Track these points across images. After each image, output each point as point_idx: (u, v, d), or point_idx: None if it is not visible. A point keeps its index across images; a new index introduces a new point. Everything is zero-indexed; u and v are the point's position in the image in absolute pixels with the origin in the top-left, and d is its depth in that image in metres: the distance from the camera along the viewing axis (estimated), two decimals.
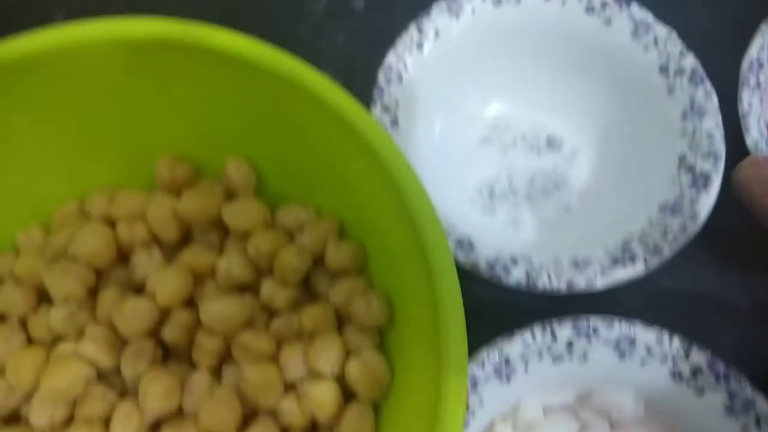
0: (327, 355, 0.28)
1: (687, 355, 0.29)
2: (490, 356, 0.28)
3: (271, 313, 0.30)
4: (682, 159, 0.33)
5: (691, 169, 0.33)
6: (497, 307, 0.34)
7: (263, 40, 0.44)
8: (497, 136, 0.40)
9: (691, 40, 0.37)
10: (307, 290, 0.31)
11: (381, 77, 0.34)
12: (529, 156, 0.39)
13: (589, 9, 0.36)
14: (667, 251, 0.30)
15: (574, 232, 0.36)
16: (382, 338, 0.29)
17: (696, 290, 0.37)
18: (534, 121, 0.40)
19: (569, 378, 0.29)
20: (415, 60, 0.36)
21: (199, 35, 0.26)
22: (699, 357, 0.28)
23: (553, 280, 0.30)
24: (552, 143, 0.39)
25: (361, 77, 0.37)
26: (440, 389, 0.23)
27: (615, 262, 0.30)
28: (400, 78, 0.35)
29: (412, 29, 0.35)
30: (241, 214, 0.30)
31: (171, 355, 0.30)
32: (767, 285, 0.37)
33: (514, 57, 0.38)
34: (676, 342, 0.29)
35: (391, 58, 0.35)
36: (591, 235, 0.34)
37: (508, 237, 0.37)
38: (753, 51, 0.35)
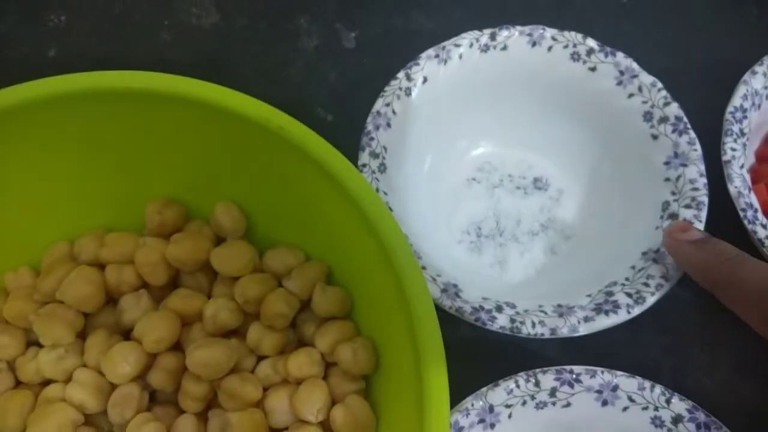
0: (312, 402, 0.28)
1: (668, 402, 0.29)
2: (475, 404, 0.29)
3: (258, 357, 0.30)
4: (665, 206, 0.34)
5: (673, 217, 0.33)
6: (486, 349, 0.34)
7: (256, 80, 0.45)
8: (485, 177, 0.40)
9: (676, 85, 0.38)
10: (294, 334, 0.31)
11: (370, 124, 0.35)
12: (516, 196, 0.40)
13: (575, 56, 0.37)
14: (650, 300, 0.31)
15: (560, 274, 0.37)
16: (368, 383, 0.30)
17: (681, 332, 0.37)
18: (521, 163, 0.40)
19: (552, 424, 0.30)
20: (404, 105, 0.36)
21: (185, 89, 0.27)
22: (680, 405, 0.29)
23: (536, 326, 0.30)
24: (539, 184, 0.40)
25: (351, 115, 0.38)
26: None
27: (598, 310, 0.31)
28: (388, 124, 0.35)
29: (401, 76, 0.36)
30: (229, 258, 0.31)
31: (158, 398, 0.30)
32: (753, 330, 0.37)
33: (500, 101, 0.39)
34: (658, 390, 0.29)
35: (379, 104, 0.35)
36: (576, 279, 0.35)
37: (494, 277, 0.37)
38: (736, 100, 0.35)
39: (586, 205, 0.39)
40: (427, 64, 0.37)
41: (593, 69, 0.37)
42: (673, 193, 0.34)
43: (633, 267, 0.33)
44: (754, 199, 0.33)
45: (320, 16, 0.47)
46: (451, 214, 0.39)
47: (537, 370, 0.29)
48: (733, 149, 0.34)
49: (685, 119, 0.35)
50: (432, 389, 0.23)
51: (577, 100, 0.38)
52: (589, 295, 0.32)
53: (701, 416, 0.29)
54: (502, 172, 0.40)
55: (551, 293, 0.33)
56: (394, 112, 0.36)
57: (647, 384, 0.29)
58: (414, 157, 0.37)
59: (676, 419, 0.29)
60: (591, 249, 0.37)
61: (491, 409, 0.29)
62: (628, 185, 0.36)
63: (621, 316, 0.31)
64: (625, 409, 0.29)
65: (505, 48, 0.38)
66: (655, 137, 0.36)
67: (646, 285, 0.31)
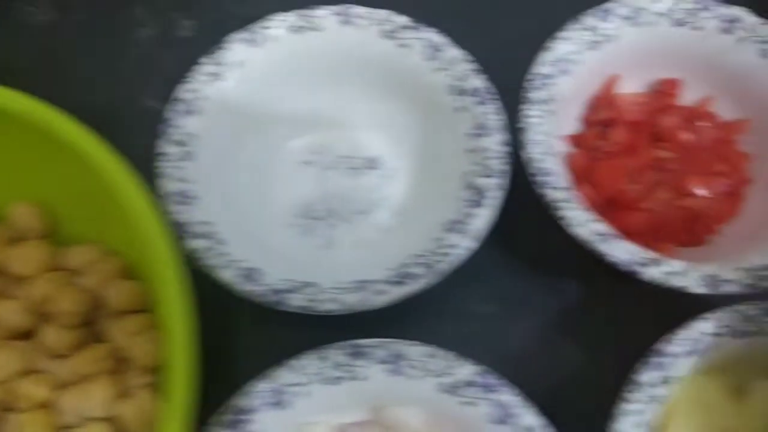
0: (99, 398, 0.28)
1: (458, 368, 0.30)
2: (261, 386, 0.29)
3: (57, 356, 0.30)
4: (465, 177, 0.35)
5: (472, 187, 0.34)
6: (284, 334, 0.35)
7: (91, 73, 0.45)
8: (318, 159, 0.40)
9: (489, 58, 0.38)
10: (90, 331, 0.31)
11: (171, 111, 0.35)
12: (349, 177, 0.40)
13: (386, 33, 0.37)
14: (445, 269, 0.32)
15: (387, 252, 0.37)
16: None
17: (504, 298, 0.38)
18: (354, 144, 0.41)
19: (346, 398, 0.30)
20: (215, 90, 0.36)
21: None
22: (467, 370, 0.30)
23: (332, 303, 0.31)
24: (371, 164, 0.40)
25: None
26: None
27: (394, 282, 0.31)
28: (197, 110, 0.35)
29: (208, 61, 0.36)
30: (20, 259, 0.31)
31: None
32: (572, 289, 0.38)
33: (323, 83, 0.39)
34: (449, 356, 0.30)
35: (182, 91, 0.35)
36: (397, 254, 0.35)
37: (322, 258, 0.38)
38: (537, 67, 0.36)
39: (413, 182, 0.39)
40: (236, 48, 0.36)
41: (404, 45, 0.37)
42: (475, 164, 0.35)
43: (435, 239, 0.33)
44: (550, 164, 0.34)
45: (156, 5, 0.47)
46: (281, 196, 0.39)
47: (327, 345, 0.30)
48: (530, 115, 0.35)
49: (488, 89, 0.36)
50: (174, 382, 0.24)
51: (392, 78, 0.38)
52: (389, 269, 0.33)
53: (487, 379, 0.30)
54: (336, 153, 0.41)
55: (366, 270, 0.34)
56: (202, 98, 0.35)
57: (434, 351, 0.30)
58: (233, 144, 0.37)
59: (463, 384, 0.30)
60: (415, 224, 0.37)
61: (279, 389, 0.29)
62: (439, 161, 0.37)
63: (413, 287, 0.31)
64: (415, 377, 0.30)
65: (317, 28, 0.38)
66: (460, 109, 0.36)
67: (442, 255, 0.32)
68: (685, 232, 0.37)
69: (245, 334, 0.36)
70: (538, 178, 0.33)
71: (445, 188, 0.35)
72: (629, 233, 0.37)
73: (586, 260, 0.33)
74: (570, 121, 0.41)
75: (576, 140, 0.40)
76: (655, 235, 0.37)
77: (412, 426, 0.31)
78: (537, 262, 0.39)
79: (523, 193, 0.35)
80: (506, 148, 0.35)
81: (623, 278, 0.33)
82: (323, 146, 0.41)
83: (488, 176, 0.34)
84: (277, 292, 0.31)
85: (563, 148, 0.40)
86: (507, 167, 0.34)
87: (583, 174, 0.39)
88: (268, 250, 0.34)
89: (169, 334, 0.25)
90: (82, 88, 0.44)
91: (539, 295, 0.38)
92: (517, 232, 0.40)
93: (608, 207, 0.38)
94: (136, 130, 0.37)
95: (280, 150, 0.40)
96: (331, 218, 0.39)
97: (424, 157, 0.39)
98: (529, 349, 0.37)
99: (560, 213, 0.33)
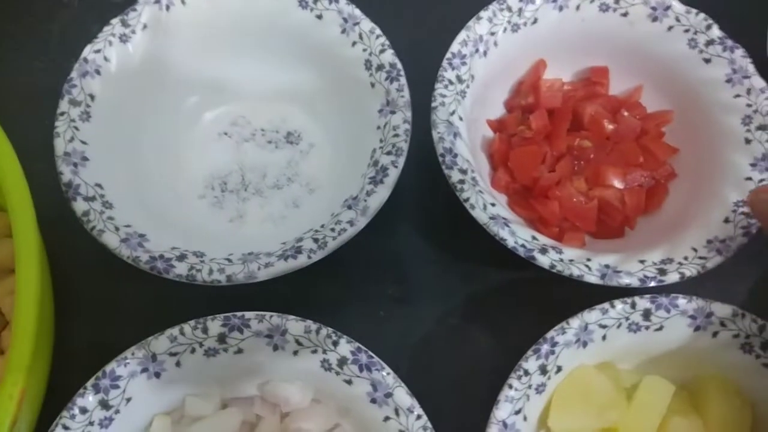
0: None
1: (335, 345, 0.29)
2: (136, 353, 0.28)
3: None
4: (372, 153, 0.34)
5: (377, 164, 0.33)
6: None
7: (17, 36, 0.44)
8: (236, 131, 0.40)
9: (413, 41, 0.38)
10: None
11: (75, 71, 0.34)
12: (266, 150, 0.39)
13: (302, 3, 0.37)
14: (332, 245, 0.31)
15: (297, 226, 0.36)
16: None
17: (411, 282, 0.37)
18: (276, 116, 0.40)
19: (225, 370, 0.30)
20: (121, 52, 0.35)
21: None
22: (345, 347, 0.29)
23: (214, 274, 0.30)
24: (291, 138, 0.39)
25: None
26: None
27: (282, 256, 0.31)
28: (98, 71, 0.34)
29: (116, 22, 0.35)
30: None
31: None
32: (480, 275, 0.37)
33: (242, 52, 0.38)
34: (324, 333, 0.29)
35: (87, 51, 0.34)
36: (296, 230, 0.34)
37: (231, 231, 0.37)
38: (455, 46, 0.35)
39: (331, 158, 0.39)
40: (146, 10, 0.36)
41: (320, 17, 0.37)
42: (381, 141, 0.34)
43: (332, 214, 0.33)
44: (459, 146, 0.33)
45: None
46: (194, 168, 0.38)
47: (207, 317, 0.29)
48: (443, 95, 0.34)
49: (399, 66, 0.35)
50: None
51: (310, 50, 0.38)
52: (284, 243, 0.32)
53: (364, 357, 0.29)
54: (255, 125, 0.40)
55: (270, 245, 0.33)
56: (106, 60, 0.35)
57: (314, 327, 0.29)
58: (138, 109, 0.36)
59: (342, 361, 0.29)
60: (325, 201, 0.37)
61: (154, 357, 0.29)
62: (355, 136, 0.36)
63: (300, 261, 0.31)
64: (295, 352, 0.29)
65: None
66: (372, 85, 0.35)
67: (332, 230, 0.31)
68: (600, 223, 0.36)
69: (126, 298, 0.36)
70: (445, 159, 0.33)
71: (356, 165, 0.35)
72: (543, 221, 0.37)
73: (496, 247, 0.32)
74: (495, 107, 0.40)
75: (498, 126, 0.39)
76: (569, 225, 0.36)
77: (294, 402, 0.30)
78: (447, 247, 0.38)
79: (439, 176, 0.34)
80: (409, 127, 0.34)
81: (531, 266, 0.32)
82: (241, 118, 0.40)
83: (390, 154, 0.33)
84: (160, 259, 0.30)
85: (485, 132, 0.39)
86: (406, 146, 0.33)
87: (501, 160, 0.38)
88: (159, 218, 0.33)
89: (19, 293, 0.24)
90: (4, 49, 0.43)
91: (447, 280, 0.37)
92: (430, 216, 0.39)
93: (523, 194, 0.37)
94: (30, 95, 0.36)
95: (194, 119, 0.39)
96: (244, 192, 0.38)
97: (340, 134, 0.38)
98: (434, 333, 0.36)
99: (462, 195, 0.32)
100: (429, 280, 0.37)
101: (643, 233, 0.37)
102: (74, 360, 0.32)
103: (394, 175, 0.32)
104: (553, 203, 0.36)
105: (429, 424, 0.28)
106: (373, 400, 0.29)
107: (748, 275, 0.37)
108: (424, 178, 0.39)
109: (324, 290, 0.37)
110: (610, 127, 0.38)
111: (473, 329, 0.36)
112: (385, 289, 0.37)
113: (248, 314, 0.29)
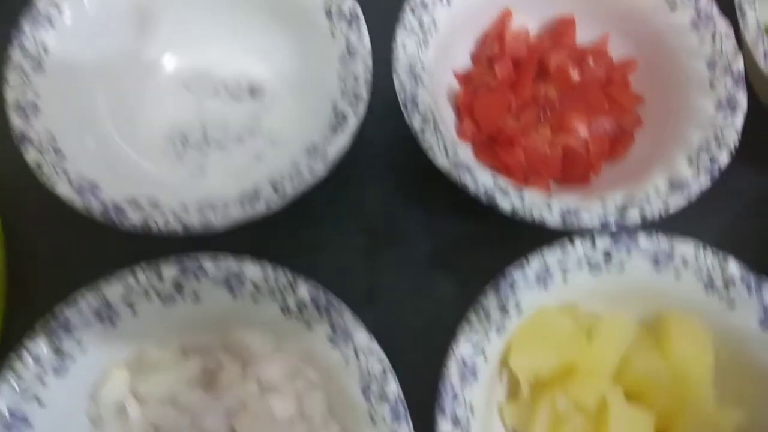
0: None
1: (293, 287, 0.29)
2: (89, 299, 0.28)
3: None
4: (333, 102, 0.33)
5: (336, 112, 0.33)
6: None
7: None
8: (198, 85, 0.39)
9: None
10: None
11: (25, 21, 0.33)
12: (228, 104, 0.39)
13: None
14: (292, 192, 0.30)
15: (260, 179, 0.36)
16: None
17: (377, 231, 0.37)
18: (238, 70, 0.39)
19: (183, 318, 0.29)
20: (76, 3, 0.34)
21: None
22: (302, 289, 0.29)
23: (170, 223, 0.30)
24: (253, 91, 0.39)
25: None
26: None
27: (240, 204, 0.30)
28: (50, 22, 0.34)
29: None
30: None
31: None
32: (449, 226, 0.37)
33: (198, 2, 0.38)
34: (282, 276, 0.29)
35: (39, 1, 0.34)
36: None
37: (191, 186, 0.36)
38: None
39: (293, 110, 0.38)
40: None
41: None
42: (341, 89, 0.33)
43: (293, 163, 0.32)
44: (420, 93, 0.33)
45: None
46: (155, 123, 0.38)
47: (160, 260, 0.29)
48: (404, 44, 0.34)
49: (359, 14, 0.34)
50: None
51: (270, 1, 0.37)
52: (240, 190, 0.31)
53: (322, 299, 0.29)
54: (216, 79, 0.39)
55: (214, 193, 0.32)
56: (58, 10, 0.34)
57: (271, 270, 0.29)
58: (91, 60, 0.36)
59: (301, 304, 0.29)
60: (287, 152, 0.36)
61: (107, 303, 0.28)
62: (317, 85, 0.36)
63: (259, 209, 0.30)
64: (254, 298, 0.29)
65: None
66: (332, 34, 0.35)
67: (292, 178, 0.31)
68: (565, 170, 0.36)
69: (83, 251, 0.35)
70: (406, 106, 0.32)
71: (318, 115, 0.34)
72: (508, 170, 0.36)
73: (461, 197, 0.32)
74: (461, 59, 0.39)
75: (465, 78, 0.39)
76: (534, 172, 0.36)
77: (255, 350, 0.30)
78: (412, 199, 0.38)
79: (407, 129, 0.33)
80: (369, 75, 0.33)
81: (497, 217, 0.31)
82: (202, 72, 0.39)
83: (350, 101, 0.33)
84: (114, 209, 0.30)
85: (451, 84, 0.38)
86: (366, 93, 0.33)
87: (467, 110, 0.37)
88: (116, 171, 0.33)
89: None
90: None
91: (412, 230, 0.37)
92: (396, 169, 0.39)
93: (489, 143, 0.37)
94: None
95: (153, 72, 0.38)
96: (206, 146, 0.38)
97: (304, 84, 0.37)
98: (399, 284, 0.36)
99: (424, 142, 0.32)
100: (395, 231, 0.37)
101: (608, 180, 0.37)
102: (28, 311, 0.32)
103: (353, 122, 0.32)
104: (518, 151, 0.36)
105: (389, 364, 0.28)
106: (333, 342, 0.29)
107: (716, 222, 0.37)
108: (392, 133, 0.39)
109: (288, 243, 0.36)
110: (576, 76, 0.37)
111: (438, 279, 0.36)
112: (350, 240, 0.37)
113: (202, 255, 0.29)
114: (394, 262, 0.36)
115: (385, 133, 0.38)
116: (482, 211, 0.36)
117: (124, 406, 0.29)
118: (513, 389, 0.32)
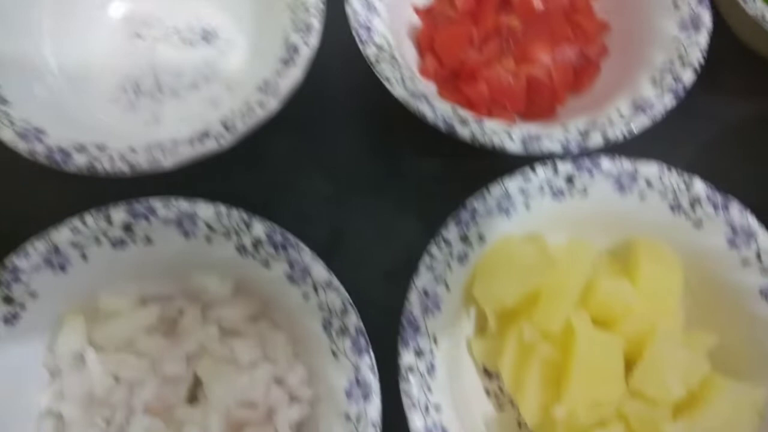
0: None
1: (248, 227, 0.28)
2: (37, 246, 0.27)
3: None
4: (285, 35, 0.32)
5: (291, 48, 0.32)
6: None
7: None
8: (149, 32, 0.38)
9: None
10: None
11: None
12: (181, 50, 0.37)
13: None
14: (242, 128, 0.29)
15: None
16: None
17: (340, 176, 0.36)
18: (192, 15, 0.38)
19: (136, 262, 0.29)
20: None
21: None
22: (259, 228, 0.28)
23: (117, 163, 0.29)
24: (208, 36, 0.38)
25: None
26: None
27: (189, 143, 0.29)
28: None
29: None
30: None
31: None
32: (414, 167, 0.36)
33: None
34: (236, 215, 0.28)
35: None
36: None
37: (145, 134, 0.35)
38: None
39: (248, 54, 0.37)
40: None
41: None
42: (293, 22, 0.32)
43: (246, 100, 0.31)
44: (375, 22, 0.32)
45: None
46: (105, 71, 0.36)
47: (109, 205, 0.28)
48: None
49: None
50: None
51: None
52: (192, 130, 0.30)
53: (278, 237, 0.28)
54: (169, 24, 0.38)
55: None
56: None
57: (224, 209, 0.28)
58: (37, 6, 0.34)
59: (256, 243, 0.28)
60: (243, 94, 0.35)
61: (56, 249, 0.27)
62: (268, 25, 0.34)
63: (209, 146, 0.29)
64: (208, 239, 0.28)
65: None
66: None
67: (243, 114, 0.30)
68: (529, 101, 0.35)
69: (32, 197, 0.34)
70: (359, 33, 0.31)
71: (271, 53, 0.33)
72: (471, 104, 0.35)
73: (424, 134, 0.31)
74: None
75: (425, 12, 0.37)
76: (498, 106, 0.35)
77: (214, 292, 0.29)
78: (376, 141, 0.37)
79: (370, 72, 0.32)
80: (322, 4, 0.32)
81: (463, 153, 0.30)
82: (153, 17, 0.38)
83: (301, 32, 0.31)
84: (59, 152, 0.29)
85: (412, 20, 0.37)
86: (318, 23, 0.32)
87: (428, 45, 0.36)
88: (64, 118, 0.32)
89: None
90: None
91: (377, 173, 0.36)
92: (359, 112, 0.38)
93: (452, 79, 0.36)
94: None
95: (103, 18, 0.37)
96: (159, 93, 0.36)
97: (256, 26, 0.36)
98: (365, 227, 0.35)
99: (379, 71, 0.31)
100: (359, 175, 0.36)
101: (574, 111, 0.36)
102: None
103: (305, 53, 0.31)
104: (481, 84, 0.35)
105: (348, 298, 0.27)
106: (292, 279, 0.28)
107: (683, 146, 0.37)
108: (357, 78, 0.38)
109: (249, 189, 0.35)
110: (539, 4, 0.36)
111: (405, 220, 0.35)
112: (314, 186, 0.36)
113: (153, 199, 0.28)
114: (359, 207, 0.36)
115: (350, 78, 0.37)
116: (449, 152, 0.35)
117: (81, 355, 0.28)
118: (481, 324, 0.31)
